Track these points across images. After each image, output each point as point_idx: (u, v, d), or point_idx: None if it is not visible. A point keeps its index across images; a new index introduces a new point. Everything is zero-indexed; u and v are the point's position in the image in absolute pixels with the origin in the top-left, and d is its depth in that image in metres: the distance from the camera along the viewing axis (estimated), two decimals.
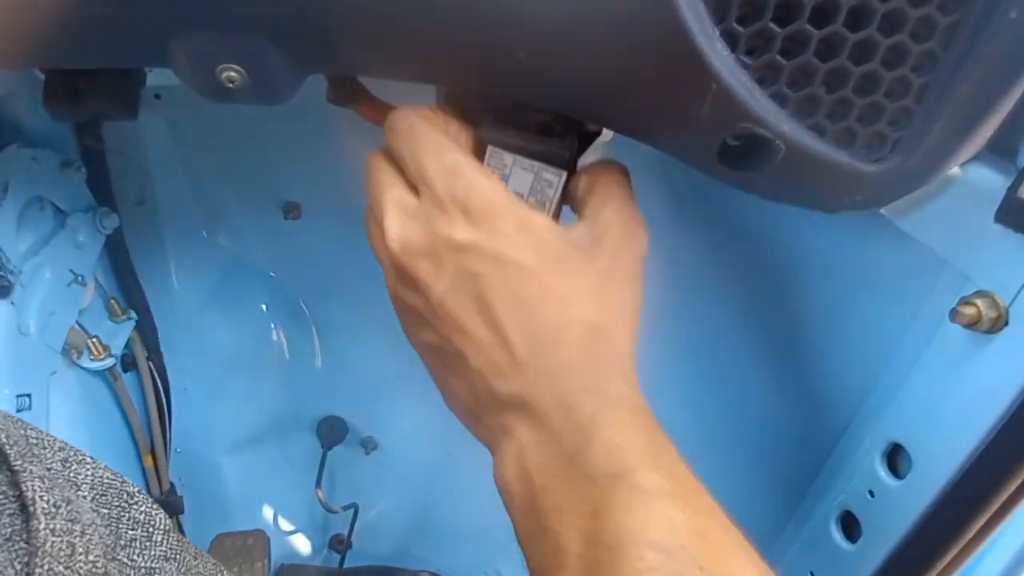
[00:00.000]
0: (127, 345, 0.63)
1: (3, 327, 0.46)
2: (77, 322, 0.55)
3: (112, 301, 0.60)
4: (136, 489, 0.29)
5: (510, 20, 0.27)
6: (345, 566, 0.80)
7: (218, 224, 0.68)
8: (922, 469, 0.35)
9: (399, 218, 0.30)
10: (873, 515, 0.38)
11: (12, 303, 0.47)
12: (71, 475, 0.27)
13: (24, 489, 0.23)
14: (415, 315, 0.32)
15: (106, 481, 0.28)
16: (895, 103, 0.27)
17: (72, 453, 0.28)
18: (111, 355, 0.58)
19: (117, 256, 0.61)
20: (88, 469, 0.27)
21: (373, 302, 0.71)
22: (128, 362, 0.65)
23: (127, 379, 0.64)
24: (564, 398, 0.27)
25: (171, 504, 0.68)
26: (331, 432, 0.78)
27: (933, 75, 0.26)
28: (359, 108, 0.41)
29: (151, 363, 0.65)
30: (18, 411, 0.47)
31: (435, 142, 0.30)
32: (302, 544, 0.82)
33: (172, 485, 0.69)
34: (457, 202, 0.29)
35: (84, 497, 0.27)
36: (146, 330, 0.65)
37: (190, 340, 0.69)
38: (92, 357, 0.56)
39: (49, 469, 0.26)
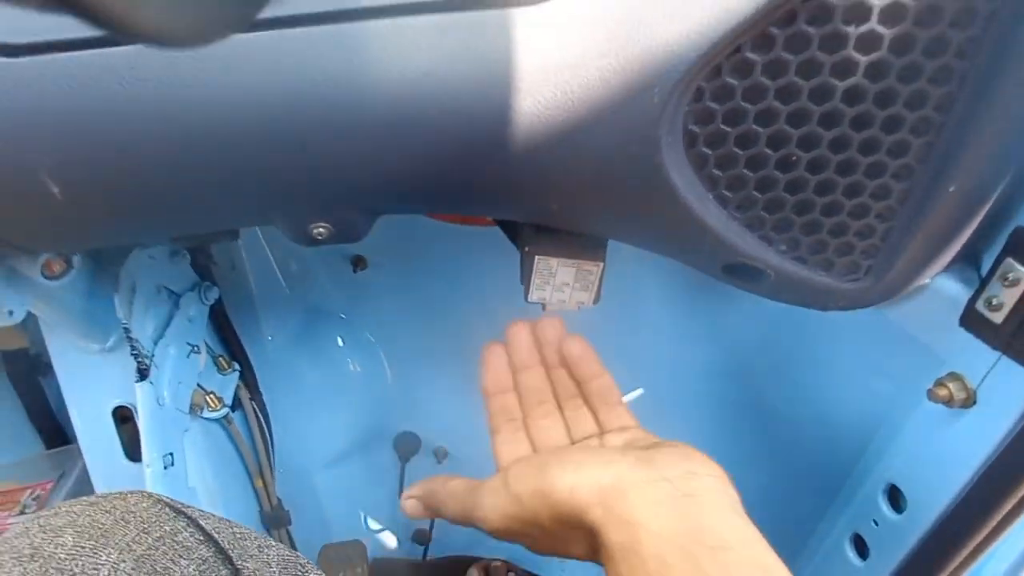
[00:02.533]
0: (234, 391, 0.74)
1: (147, 403, 0.57)
2: (197, 383, 0.66)
3: (219, 358, 0.71)
4: (306, 560, 0.35)
5: (548, 191, 0.34)
6: (427, 557, 0.91)
7: (297, 279, 0.78)
8: (915, 508, 0.41)
9: None
10: (878, 540, 0.45)
11: (151, 382, 0.57)
12: (266, 558, 0.33)
13: None
14: None
15: (286, 558, 0.34)
16: (864, 242, 0.33)
17: (262, 540, 0.34)
18: (225, 405, 0.69)
19: (219, 319, 0.71)
20: (274, 551, 0.34)
21: (431, 333, 0.81)
22: (235, 403, 0.76)
23: (235, 417, 0.75)
24: None
25: (281, 517, 0.80)
26: (406, 446, 0.88)
27: (893, 223, 0.32)
28: None
29: (254, 403, 0.76)
30: (165, 468, 0.58)
31: None
32: (389, 539, 0.94)
33: (279, 500, 0.81)
34: None
35: (275, 574, 0.33)
36: (247, 377, 0.75)
37: (283, 379, 0.80)
38: (211, 409, 0.67)
39: (252, 556, 0.32)
